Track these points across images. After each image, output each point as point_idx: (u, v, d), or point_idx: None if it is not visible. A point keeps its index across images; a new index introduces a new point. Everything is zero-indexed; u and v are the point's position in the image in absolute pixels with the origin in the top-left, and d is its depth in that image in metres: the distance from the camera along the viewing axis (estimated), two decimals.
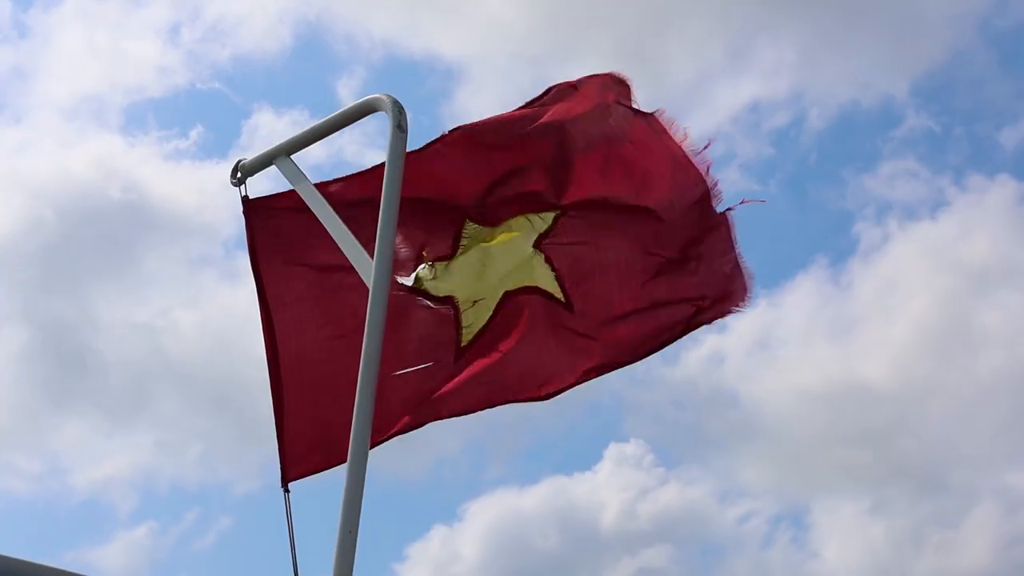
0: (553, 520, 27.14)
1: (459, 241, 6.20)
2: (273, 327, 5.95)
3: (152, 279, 29.33)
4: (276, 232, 6.05)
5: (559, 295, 6.22)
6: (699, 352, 28.65)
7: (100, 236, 28.57)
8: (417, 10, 31.83)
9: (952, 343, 29.86)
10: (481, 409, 6.17)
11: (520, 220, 6.24)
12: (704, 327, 6.33)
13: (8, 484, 27.03)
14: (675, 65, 31.36)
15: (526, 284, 6.24)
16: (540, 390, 6.17)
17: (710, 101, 31.22)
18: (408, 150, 5.42)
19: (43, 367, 27.42)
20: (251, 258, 6.00)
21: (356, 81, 30.50)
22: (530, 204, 6.26)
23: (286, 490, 5.68)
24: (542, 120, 6.21)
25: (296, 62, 31.98)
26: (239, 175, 6.03)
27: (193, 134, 31.71)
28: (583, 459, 30.33)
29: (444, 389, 6.12)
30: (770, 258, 31.29)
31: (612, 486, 27.62)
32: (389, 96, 5.43)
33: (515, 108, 6.33)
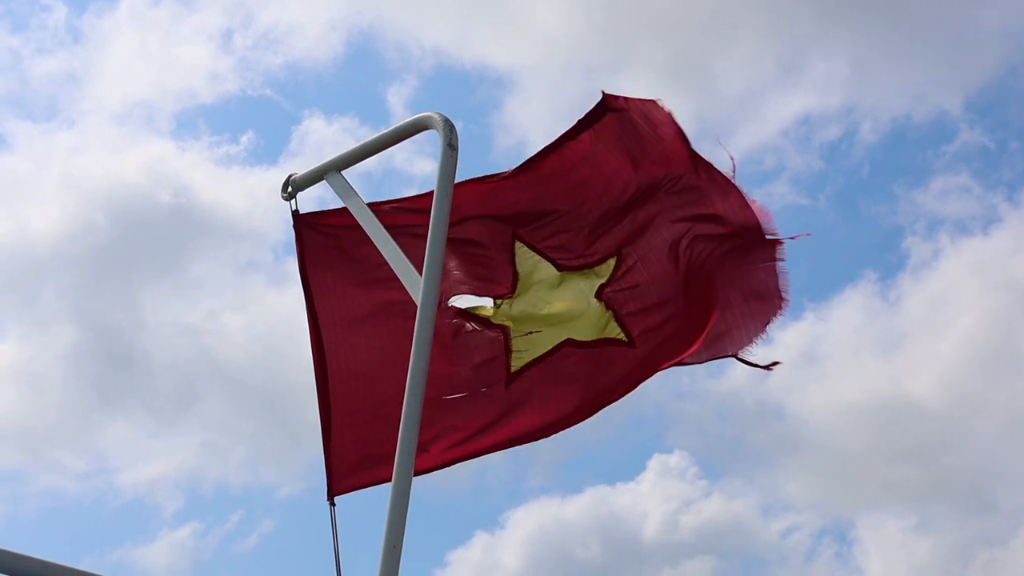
0: (595, 530, 27.13)
1: (515, 265, 6.22)
2: (322, 343, 5.99)
3: (201, 283, 29.61)
4: (326, 248, 6.09)
5: (622, 336, 6.24)
6: (744, 365, 28.44)
7: (150, 239, 28.90)
8: (470, 20, 31.99)
9: (1001, 361, 29.56)
10: (532, 441, 6.19)
11: (585, 272, 6.28)
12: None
13: (56, 482, 27.36)
14: (726, 77, 31.34)
15: (591, 338, 6.28)
16: (587, 414, 6.20)
17: (761, 114, 31.18)
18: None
19: (92, 367, 27.75)
20: (301, 274, 6.05)
21: (407, 90, 30.66)
22: (594, 256, 6.30)
23: (332, 503, 5.73)
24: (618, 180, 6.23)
25: (347, 70, 32.16)
26: (290, 189, 6.07)
27: (244, 140, 32.02)
28: (626, 470, 30.26)
29: (496, 421, 6.13)
30: (819, 271, 31.12)
31: (655, 497, 27.56)
32: (440, 115, 5.44)
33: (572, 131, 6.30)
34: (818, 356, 30.25)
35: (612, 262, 6.27)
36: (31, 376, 28.53)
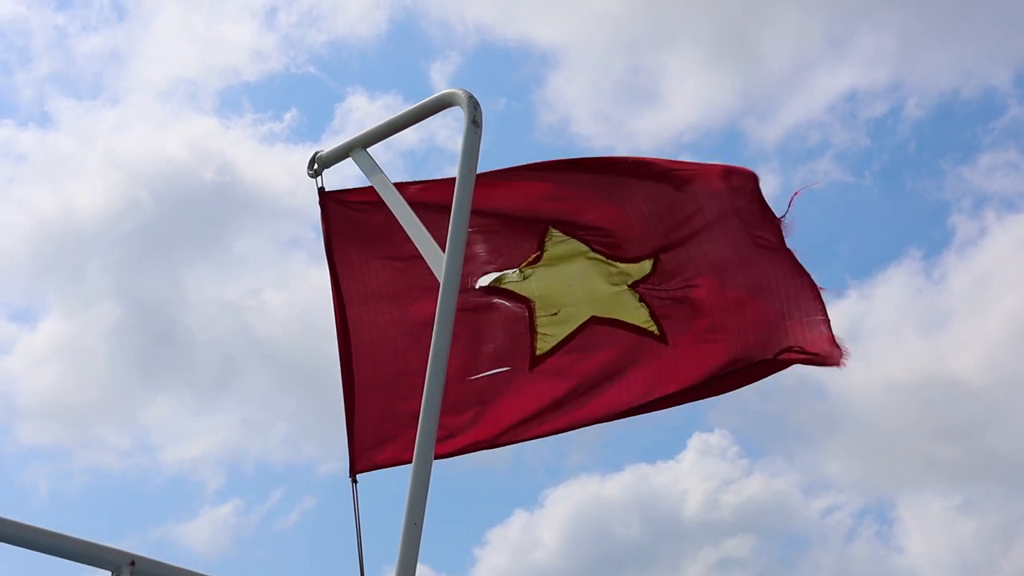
0: (634, 508, 27.10)
1: (543, 244, 6.19)
2: (347, 320, 6.00)
3: (243, 259, 29.76)
4: (352, 225, 6.10)
5: (654, 329, 6.16)
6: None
7: (193, 217, 29.07)
8: None
9: None
10: (558, 432, 6.14)
11: (616, 264, 6.23)
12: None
13: (100, 459, 27.65)
14: (773, 52, 31.09)
15: (618, 318, 6.19)
16: (613, 410, 6.12)
17: (807, 89, 30.90)
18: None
19: (135, 344, 27.96)
20: (327, 250, 6.06)
21: (450, 67, 30.62)
22: (628, 254, 6.25)
23: (354, 480, 5.74)
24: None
25: (390, 47, 32.15)
26: (316, 167, 6.08)
27: (287, 117, 32.06)
28: (666, 448, 30.20)
29: (521, 412, 6.09)
30: (862, 248, 30.92)
31: (695, 476, 27.50)
32: (464, 91, 5.43)
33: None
34: (861, 334, 30.00)
35: (648, 264, 6.20)
36: (75, 353, 28.85)
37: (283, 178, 30.38)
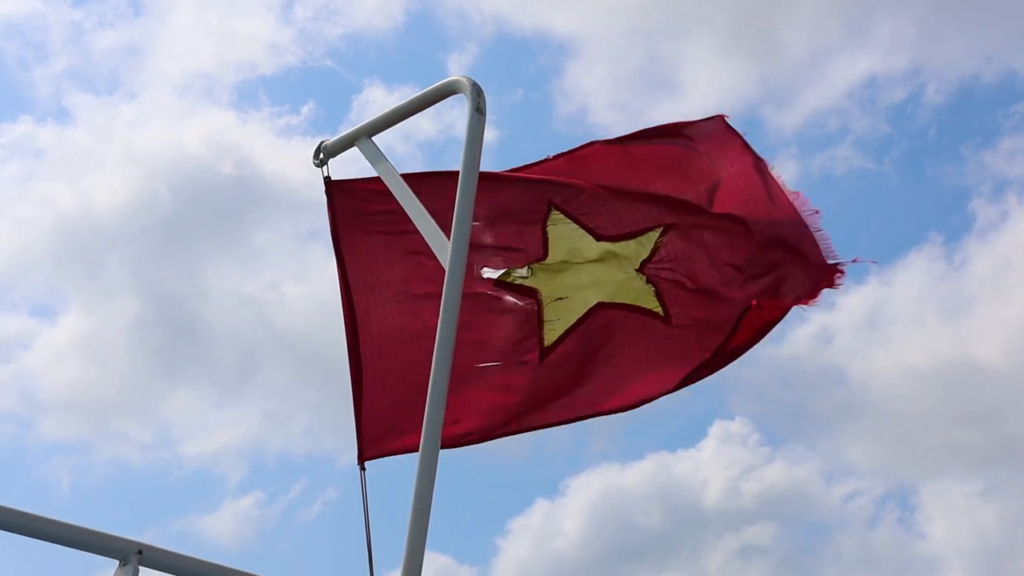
0: (656, 496, 27.05)
1: (546, 234, 6.19)
2: (354, 308, 6.02)
3: (262, 253, 29.76)
4: (358, 214, 6.12)
5: (658, 309, 6.18)
6: (806, 330, 28.24)
7: (212, 210, 29.09)
8: None
9: None
10: (569, 422, 6.15)
11: (623, 244, 6.24)
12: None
13: (121, 452, 27.77)
14: (791, 39, 30.93)
15: (625, 301, 6.21)
16: (629, 400, 6.12)
17: (826, 76, 30.75)
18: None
19: (155, 339, 28.05)
20: (333, 239, 6.08)
21: (467, 57, 30.56)
22: (635, 225, 6.26)
23: (362, 468, 5.77)
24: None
25: (407, 38, 32.04)
26: (321, 156, 6.10)
27: (304, 110, 31.98)
28: (687, 436, 30.14)
29: (530, 402, 6.11)
30: (883, 235, 30.74)
31: (716, 464, 27.40)
32: (468, 78, 5.43)
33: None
34: (881, 320, 29.93)
35: (656, 234, 6.21)
36: (96, 348, 28.97)
37: (301, 171, 30.28)
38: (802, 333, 28.26)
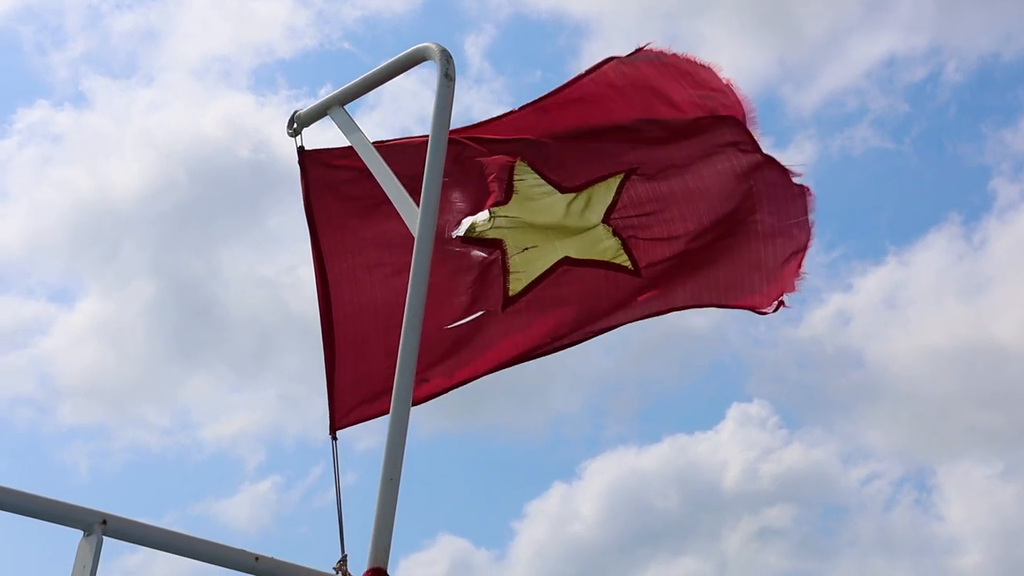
0: (673, 479, 27.02)
1: (512, 184, 6.18)
2: (327, 277, 6.01)
3: (278, 236, 29.55)
4: (331, 183, 6.10)
5: (627, 263, 6.21)
6: (824, 311, 28.27)
7: (229, 194, 29.02)
8: None
9: None
10: (529, 359, 6.19)
11: (586, 192, 6.23)
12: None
13: (140, 437, 27.78)
14: (809, 19, 30.80)
15: (591, 257, 6.24)
16: (591, 329, 6.21)
17: (844, 55, 30.61)
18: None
19: (172, 322, 28.03)
20: (306, 209, 6.05)
21: (484, 39, 30.50)
22: (598, 171, 6.25)
23: (334, 438, 5.76)
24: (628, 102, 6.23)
25: (425, 20, 31.85)
26: (295, 126, 6.07)
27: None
28: (705, 419, 30.13)
29: (493, 349, 6.17)
30: (901, 215, 30.71)
31: (734, 446, 27.36)
32: (437, 44, 5.42)
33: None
34: (900, 301, 29.86)
35: (619, 179, 6.23)
36: (113, 332, 28.94)
37: None
38: (820, 314, 28.33)
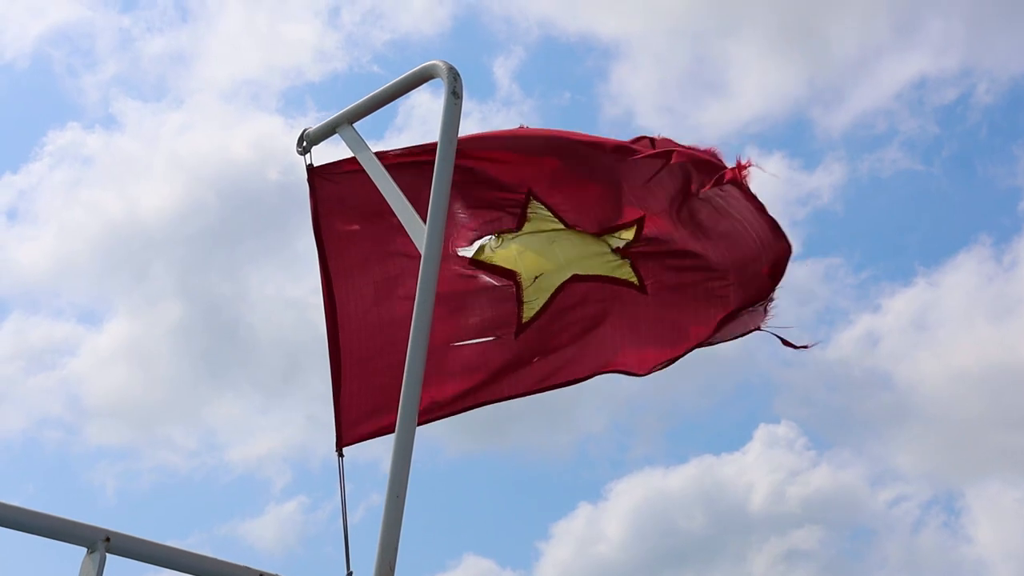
0: (699, 500, 26.85)
1: (525, 215, 6.20)
2: (333, 294, 6.02)
3: (305, 258, 29.51)
4: (339, 200, 6.11)
5: (633, 279, 6.20)
6: (852, 333, 28.16)
7: (257, 216, 29.06)
8: None
9: None
10: (544, 390, 6.19)
11: (596, 238, 6.24)
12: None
13: (167, 458, 27.80)
14: (839, 40, 30.76)
15: (599, 273, 6.23)
16: (608, 367, 6.17)
17: (874, 77, 30.55)
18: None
19: (200, 343, 28.07)
20: (314, 225, 6.07)
21: (513, 61, 30.56)
22: (608, 223, 6.24)
23: (340, 455, 5.76)
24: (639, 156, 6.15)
25: (453, 43, 31.95)
26: (304, 144, 6.10)
27: None
28: (732, 440, 30.00)
29: (506, 369, 6.14)
30: (931, 237, 30.58)
31: (761, 467, 27.18)
32: (445, 63, 5.46)
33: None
34: (929, 323, 29.71)
35: (630, 232, 6.23)
36: (141, 353, 29.01)
37: None
38: (848, 336, 28.24)
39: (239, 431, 28.30)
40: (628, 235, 6.22)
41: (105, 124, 32.00)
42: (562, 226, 6.24)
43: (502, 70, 30.33)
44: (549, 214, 6.25)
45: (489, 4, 32.37)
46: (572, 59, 31.50)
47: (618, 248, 6.24)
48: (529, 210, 6.22)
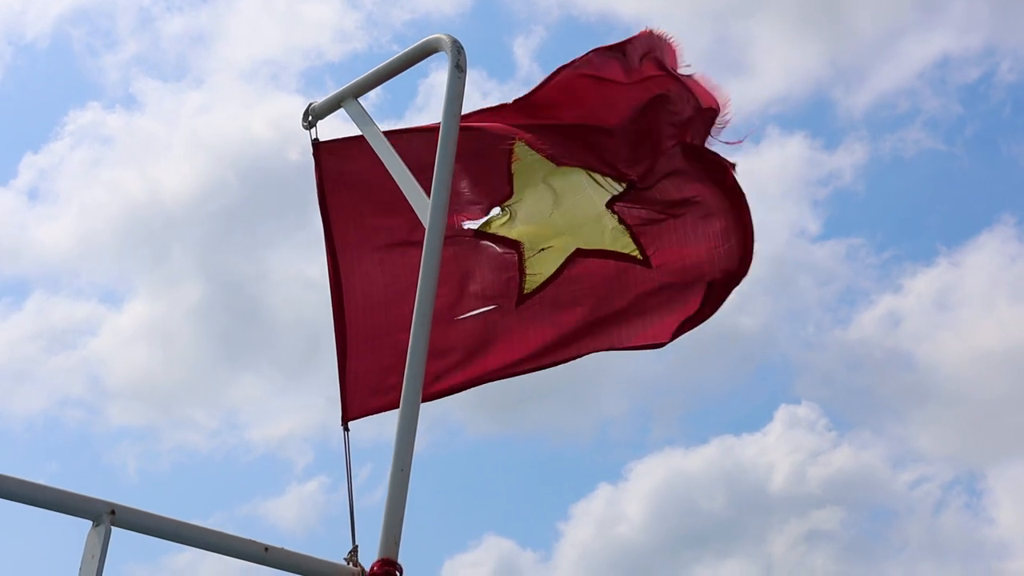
0: (720, 481, 26.90)
1: (511, 169, 6.17)
2: (339, 268, 6.03)
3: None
4: (344, 175, 6.11)
5: (635, 253, 6.17)
6: (873, 313, 28.12)
7: (277, 196, 29.08)
8: None
9: None
10: (550, 365, 6.16)
11: (586, 174, 6.20)
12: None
13: (188, 439, 27.92)
14: (862, 19, 30.62)
15: (601, 247, 6.21)
16: (620, 342, 6.14)
17: (897, 56, 30.40)
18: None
19: (220, 324, 28.20)
20: (319, 200, 6.08)
21: (534, 41, 30.55)
22: (597, 165, 6.20)
23: (346, 429, 5.78)
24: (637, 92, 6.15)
25: (474, 23, 31.93)
26: (310, 118, 6.10)
27: (371, 95, 31.72)
28: (752, 421, 29.96)
29: (509, 349, 6.13)
30: (953, 217, 30.48)
31: (782, 448, 27.19)
32: (448, 36, 5.47)
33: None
34: (951, 303, 29.65)
35: (620, 187, 6.20)
36: (162, 333, 29.11)
37: None
38: (869, 316, 28.21)
39: (260, 411, 28.44)
40: (612, 186, 6.19)
41: (125, 104, 32.20)
42: (546, 161, 6.18)
43: (522, 50, 30.40)
44: (534, 154, 6.17)
45: None
46: (593, 39, 31.26)
47: (612, 201, 6.19)
48: (513, 159, 6.17)
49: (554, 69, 6.15)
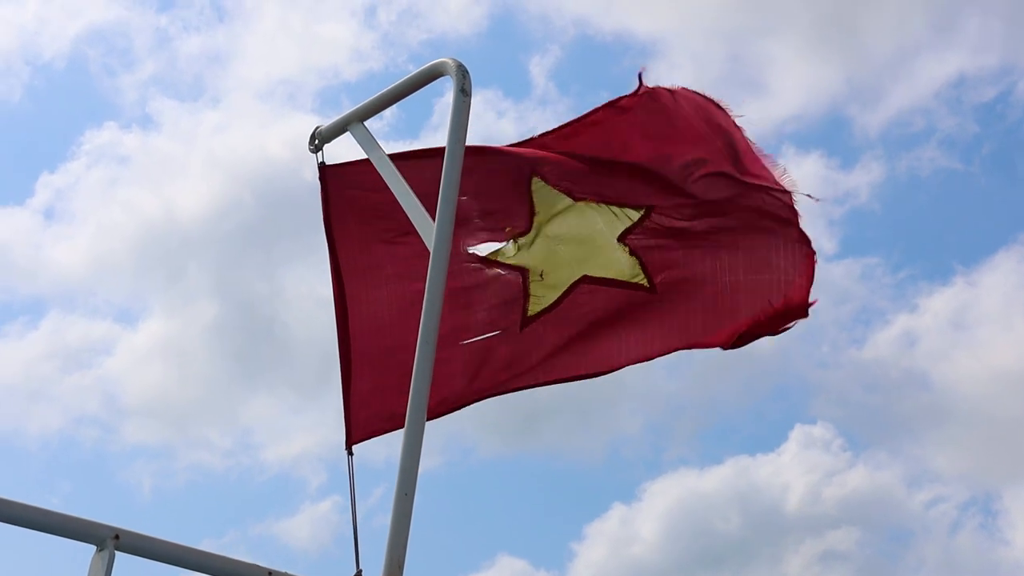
0: (734, 501, 26.77)
1: (532, 206, 6.19)
2: (344, 293, 6.05)
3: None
4: (351, 199, 6.14)
5: (643, 281, 6.16)
6: (889, 333, 28.02)
7: (292, 215, 29.09)
8: None
9: None
10: (551, 383, 6.18)
11: (603, 208, 6.20)
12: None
13: (202, 458, 27.93)
14: (875, 39, 30.68)
15: (610, 276, 6.20)
16: (615, 363, 6.14)
17: (912, 75, 30.42)
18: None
19: (235, 343, 28.19)
20: (325, 224, 6.10)
21: (549, 60, 30.59)
22: (615, 196, 6.21)
23: (350, 453, 5.79)
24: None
25: (490, 42, 32.02)
26: (316, 142, 6.12)
27: (387, 115, 31.74)
28: (767, 440, 29.86)
29: (508, 367, 6.16)
30: (969, 235, 30.43)
31: (797, 468, 27.07)
32: (454, 60, 5.47)
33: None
34: (967, 323, 29.55)
35: (637, 213, 6.18)
36: (177, 352, 29.14)
37: None
38: (885, 336, 28.10)
39: (274, 430, 28.44)
40: (635, 215, 6.18)
41: (142, 123, 32.32)
42: (568, 199, 6.20)
43: (538, 69, 30.45)
44: (551, 190, 6.20)
45: (525, 3, 32.52)
46: (608, 58, 31.46)
47: (622, 235, 6.19)
48: (533, 193, 6.19)
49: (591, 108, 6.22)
